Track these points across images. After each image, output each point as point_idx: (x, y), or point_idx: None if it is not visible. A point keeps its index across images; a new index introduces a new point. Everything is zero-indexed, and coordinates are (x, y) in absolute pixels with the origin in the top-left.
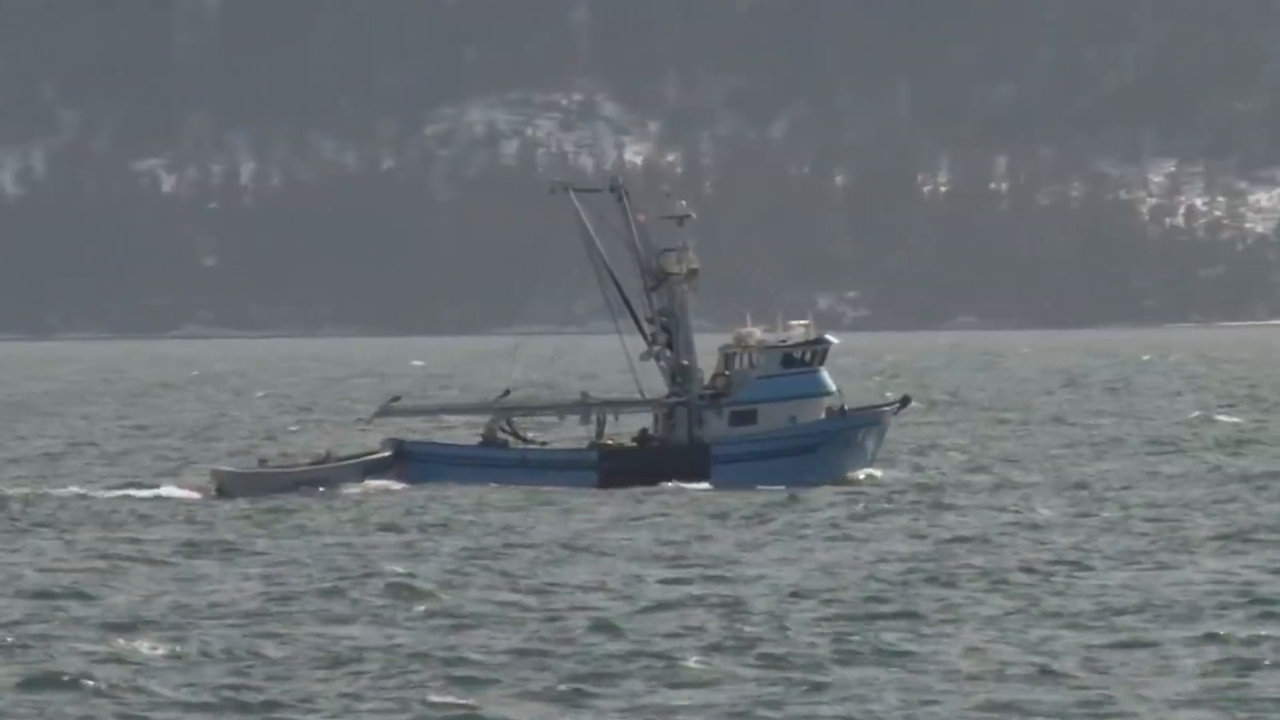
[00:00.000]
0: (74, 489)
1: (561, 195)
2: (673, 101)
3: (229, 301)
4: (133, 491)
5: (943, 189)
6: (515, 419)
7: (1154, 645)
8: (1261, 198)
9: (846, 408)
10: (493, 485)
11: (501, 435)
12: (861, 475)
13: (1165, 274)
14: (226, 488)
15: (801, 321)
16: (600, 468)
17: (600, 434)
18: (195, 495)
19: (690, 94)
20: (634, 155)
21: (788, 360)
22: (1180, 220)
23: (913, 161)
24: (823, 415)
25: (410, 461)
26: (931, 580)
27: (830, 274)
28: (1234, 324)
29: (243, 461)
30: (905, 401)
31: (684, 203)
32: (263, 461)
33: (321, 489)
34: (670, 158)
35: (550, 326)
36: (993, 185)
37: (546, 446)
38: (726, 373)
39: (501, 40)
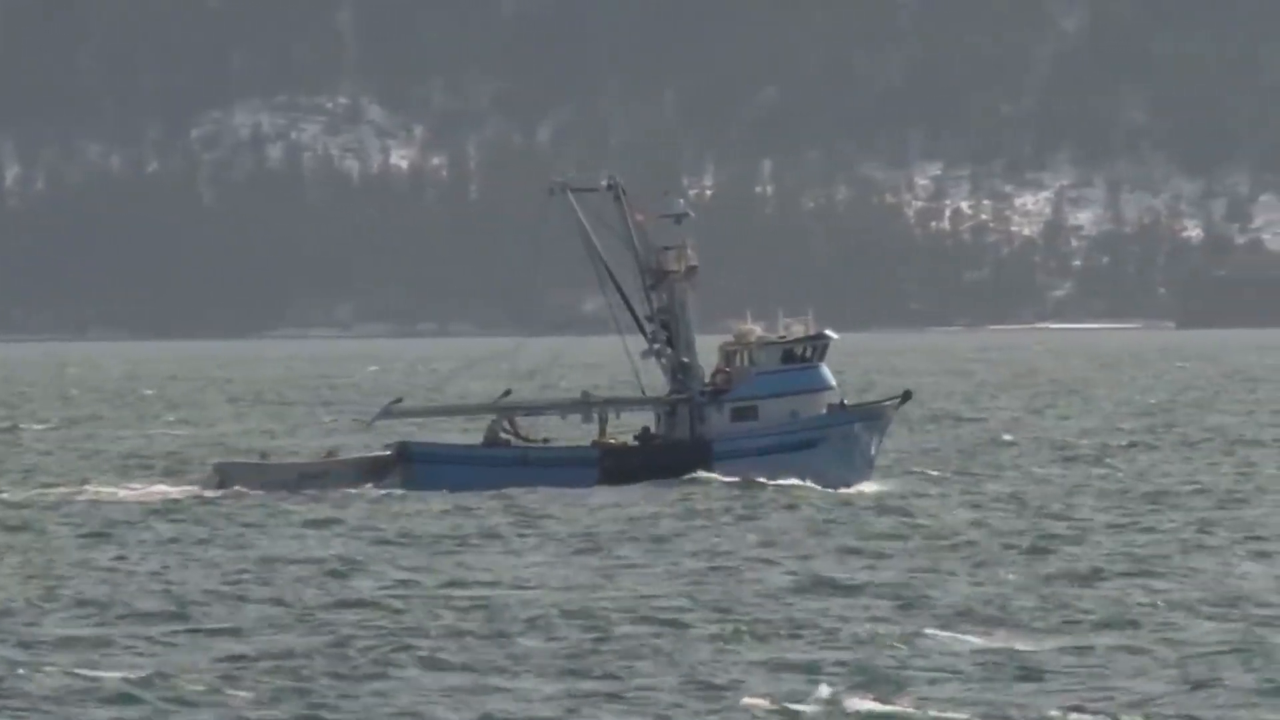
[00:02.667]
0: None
1: (560, 195)
2: (438, 105)
3: None
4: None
5: (709, 192)
6: (517, 418)
7: None
8: (1028, 201)
9: (847, 403)
10: (494, 484)
11: (503, 435)
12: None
13: (931, 277)
14: (228, 481)
15: (801, 318)
16: (601, 465)
17: (603, 432)
18: (196, 490)
19: (456, 97)
20: (400, 159)
21: (788, 356)
22: (946, 224)
23: (679, 164)
24: (824, 411)
25: (412, 461)
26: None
27: (596, 277)
28: (1000, 327)
29: (244, 456)
30: (907, 396)
31: (682, 201)
32: (264, 456)
33: (322, 485)
34: (436, 161)
35: (314, 330)
36: (759, 189)
37: (548, 445)
38: (727, 369)
39: (267, 43)
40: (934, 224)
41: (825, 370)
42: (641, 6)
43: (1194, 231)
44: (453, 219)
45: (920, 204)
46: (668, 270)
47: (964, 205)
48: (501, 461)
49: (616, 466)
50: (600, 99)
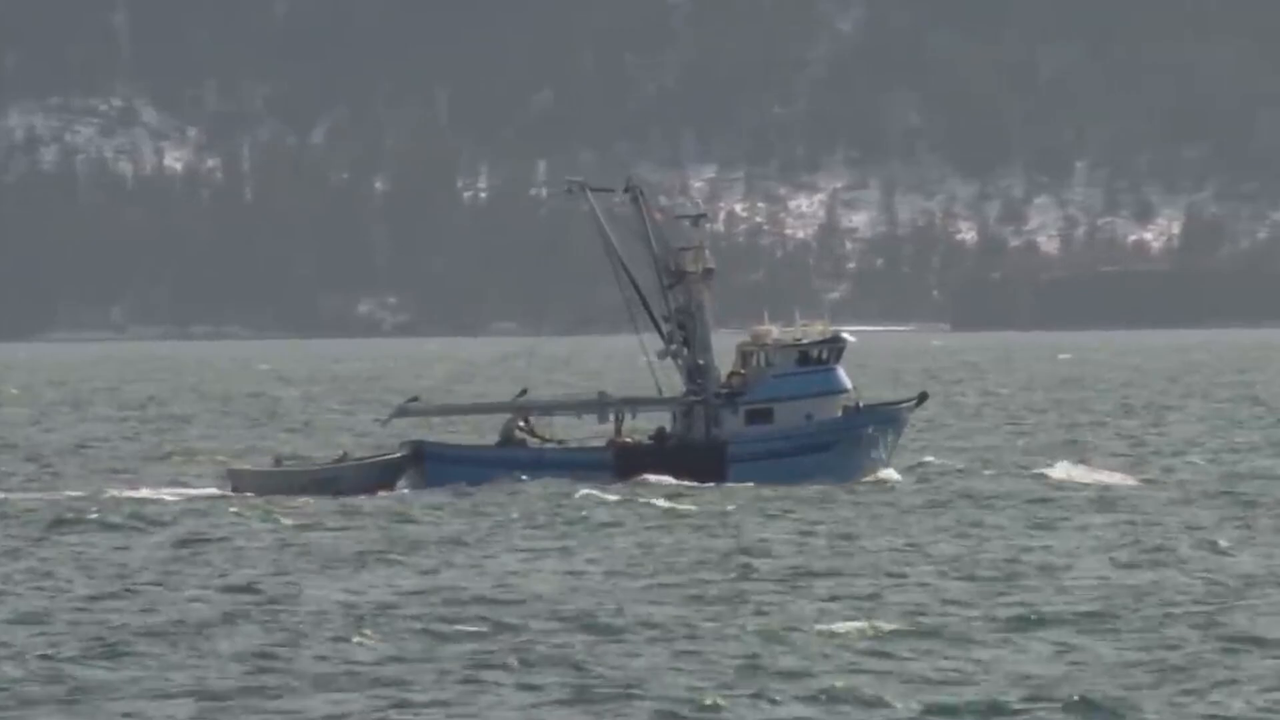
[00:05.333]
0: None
1: (578, 194)
2: (212, 107)
3: None
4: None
5: (483, 194)
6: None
7: None
8: (802, 203)
9: (862, 405)
10: (508, 484)
11: (519, 434)
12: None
13: None
14: (243, 487)
15: (818, 320)
16: (616, 466)
17: (618, 432)
18: (212, 494)
19: (229, 99)
20: (174, 161)
21: (804, 358)
22: (720, 226)
23: (453, 167)
24: (839, 413)
25: (427, 461)
26: None
27: (371, 279)
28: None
29: (259, 461)
30: (923, 398)
31: (699, 201)
32: (279, 461)
33: (336, 489)
34: (210, 163)
35: (86, 332)
36: (533, 191)
37: (563, 445)
38: (743, 371)
39: (40, 45)
40: (708, 226)
41: (841, 373)
42: (414, 7)
43: (968, 234)
44: (227, 221)
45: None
46: (685, 271)
47: (738, 207)
48: (516, 462)
49: (631, 467)
50: (373, 100)
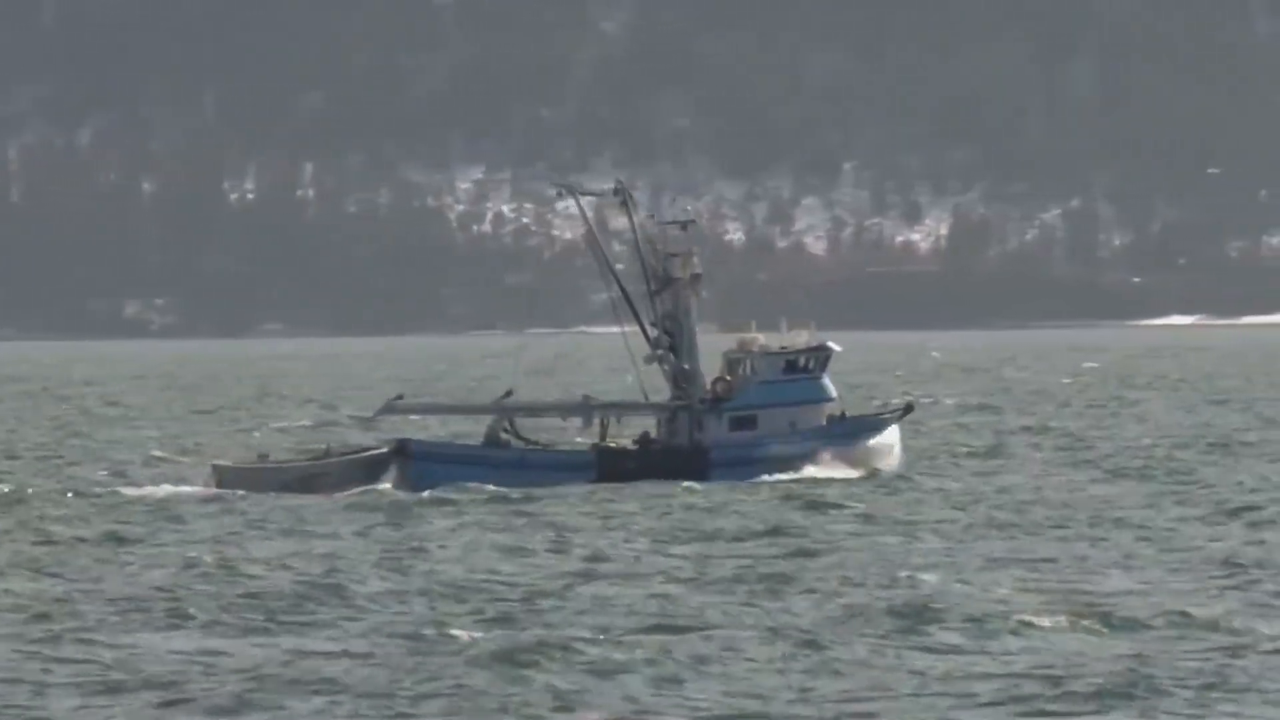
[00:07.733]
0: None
1: (566, 197)
2: None
3: None
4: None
5: (250, 196)
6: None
7: None
8: (570, 205)
9: (847, 414)
10: (491, 484)
11: (504, 435)
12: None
13: (473, 281)
14: (227, 483)
15: (803, 329)
16: (599, 468)
17: (604, 436)
18: (195, 490)
19: None
20: None
21: (790, 366)
22: (488, 227)
23: (220, 169)
24: (823, 422)
25: (411, 460)
26: None
27: (139, 281)
28: (541, 330)
29: (243, 457)
30: (909, 409)
31: (689, 208)
32: (263, 457)
33: (320, 485)
34: None
35: None
36: (300, 192)
37: (547, 447)
38: (729, 378)
39: None
40: (476, 227)
41: (826, 381)
42: (182, 8)
43: (736, 235)
44: None
45: (462, 208)
46: (673, 276)
47: (505, 209)
48: (500, 462)
49: (613, 470)
50: (141, 102)
